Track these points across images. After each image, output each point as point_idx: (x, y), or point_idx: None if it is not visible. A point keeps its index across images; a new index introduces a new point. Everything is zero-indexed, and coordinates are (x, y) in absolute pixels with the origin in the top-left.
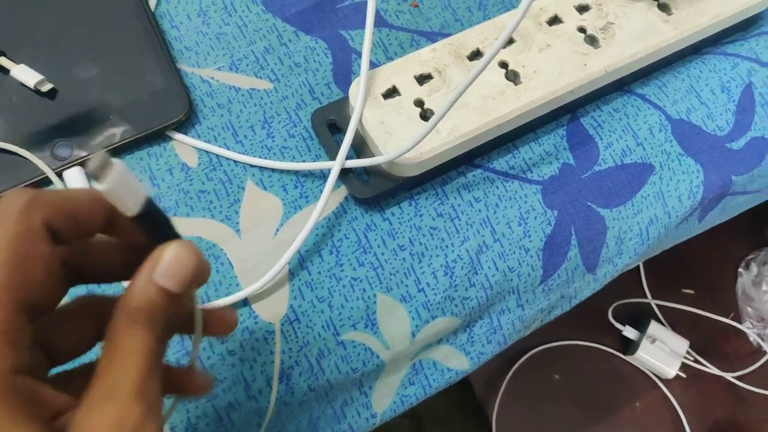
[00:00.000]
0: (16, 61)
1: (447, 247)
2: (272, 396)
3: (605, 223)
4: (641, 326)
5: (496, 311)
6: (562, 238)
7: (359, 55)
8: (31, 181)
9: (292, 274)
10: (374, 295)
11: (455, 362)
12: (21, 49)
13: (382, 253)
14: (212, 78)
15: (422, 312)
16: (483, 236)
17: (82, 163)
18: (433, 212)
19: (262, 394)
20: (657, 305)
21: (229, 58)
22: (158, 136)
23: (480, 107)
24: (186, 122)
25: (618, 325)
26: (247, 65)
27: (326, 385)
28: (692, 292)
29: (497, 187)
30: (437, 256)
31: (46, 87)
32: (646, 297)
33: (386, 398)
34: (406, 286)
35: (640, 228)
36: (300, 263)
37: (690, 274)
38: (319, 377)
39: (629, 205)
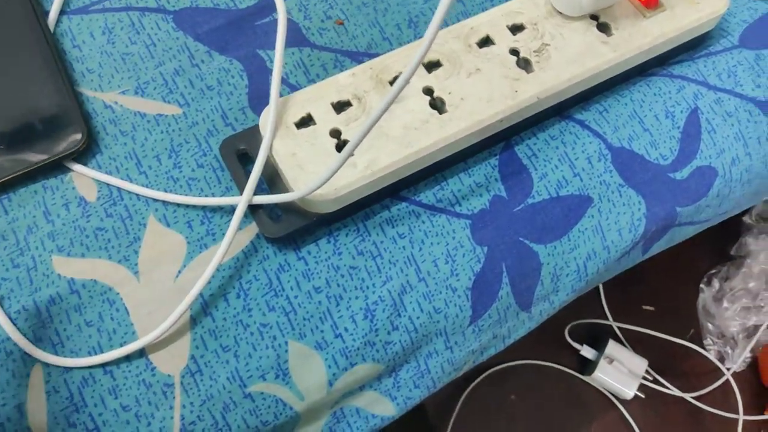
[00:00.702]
0: None
1: (368, 288)
2: None
3: (539, 259)
4: (599, 345)
5: (423, 354)
6: (492, 276)
7: None
8: None
9: (193, 320)
10: (286, 342)
11: (380, 408)
12: None
13: (296, 296)
14: (116, 103)
15: (340, 359)
16: (407, 275)
17: None
18: (354, 250)
19: None
20: (616, 325)
21: (135, 80)
22: (55, 168)
23: (401, 138)
24: (86, 151)
25: (575, 345)
26: (155, 88)
27: None
28: (652, 308)
29: (423, 222)
30: (356, 298)
31: None
32: (605, 316)
33: None
34: (322, 331)
35: (578, 264)
36: (203, 309)
37: (651, 290)
38: None
39: (565, 240)
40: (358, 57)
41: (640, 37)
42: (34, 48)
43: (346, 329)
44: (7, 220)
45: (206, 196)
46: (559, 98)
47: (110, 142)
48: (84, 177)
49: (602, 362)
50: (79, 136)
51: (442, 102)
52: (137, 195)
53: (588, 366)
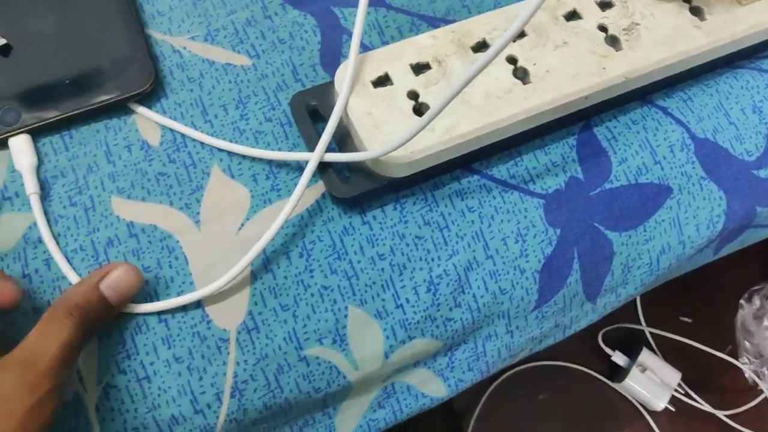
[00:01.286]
0: None
1: (432, 260)
2: (222, 412)
3: (612, 248)
4: (632, 353)
5: (482, 336)
6: (562, 261)
7: (351, 35)
8: None
9: (254, 276)
10: (346, 307)
11: (431, 388)
12: None
13: (359, 261)
14: (184, 48)
15: (399, 331)
16: (474, 251)
17: (32, 131)
18: (420, 219)
19: (211, 408)
20: (650, 332)
21: (205, 27)
22: (119, 108)
23: (482, 106)
24: (151, 95)
25: (607, 350)
26: (225, 37)
27: (284, 404)
28: (689, 320)
29: (494, 197)
30: (421, 269)
31: (0, 42)
32: (639, 323)
33: (352, 421)
34: (383, 300)
35: (650, 257)
36: (264, 265)
37: (689, 301)
38: (276, 395)
39: (641, 230)
40: (434, 22)
41: (735, 24)
42: None
43: (407, 300)
44: (68, 157)
45: (272, 150)
46: (647, 80)
47: (176, 87)
48: (148, 120)
49: (634, 370)
50: (146, 78)
51: (526, 72)
52: (201, 143)
53: (618, 373)
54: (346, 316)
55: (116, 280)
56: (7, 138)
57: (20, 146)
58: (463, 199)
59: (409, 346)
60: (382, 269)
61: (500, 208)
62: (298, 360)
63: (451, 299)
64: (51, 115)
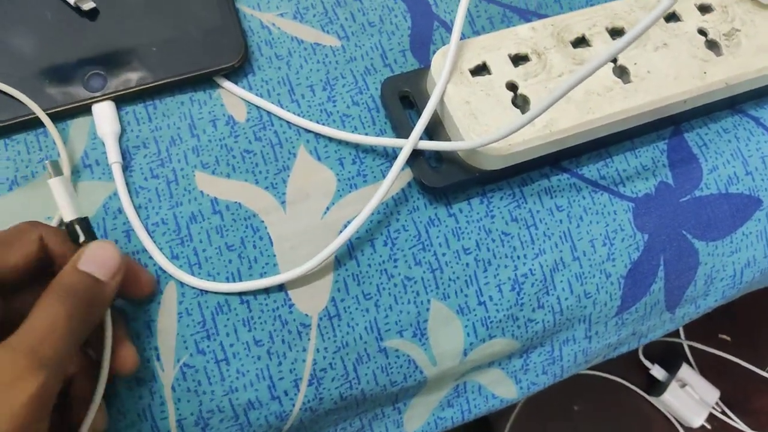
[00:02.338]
0: None
1: (518, 258)
2: (298, 400)
3: (698, 258)
4: (671, 367)
5: (559, 340)
6: (648, 268)
7: (442, 23)
8: (56, 110)
9: (338, 262)
10: (428, 300)
11: (502, 389)
12: None
13: (443, 254)
14: (273, 24)
15: (480, 329)
16: (561, 252)
17: (116, 98)
18: (508, 215)
19: (288, 395)
20: (690, 346)
21: (294, 4)
22: (205, 81)
23: (583, 103)
24: (238, 70)
25: (647, 363)
26: (314, 16)
27: (359, 395)
28: (729, 339)
29: (584, 198)
30: (506, 266)
31: (88, 5)
32: (679, 336)
33: (419, 418)
34: (466, 296)
35: (735, 269)
36: (349, 251)
37: (730, 316)
38: (353, 386)
39: (727, 241)
40: (526, 15)
41: None
42: None
43: (490, 298)
44: (150, 128)
45: (359, 134)
46: (747, 87)
47: (264, 64)
48: (233, 96)
49: (673, 385)
50: (235, 53)
51: (626, 71)
52: (288, 123)
53: (656, 387)
54: (428, 309)
55: (90, 255)
56: (91, 104)
57: (104, 113)
58: (552, 198)
59: (489, 345)
60: (467, 264)
61: (589, 208)
62: (378, 351)
63: (534, 300)
64: (136, 83)
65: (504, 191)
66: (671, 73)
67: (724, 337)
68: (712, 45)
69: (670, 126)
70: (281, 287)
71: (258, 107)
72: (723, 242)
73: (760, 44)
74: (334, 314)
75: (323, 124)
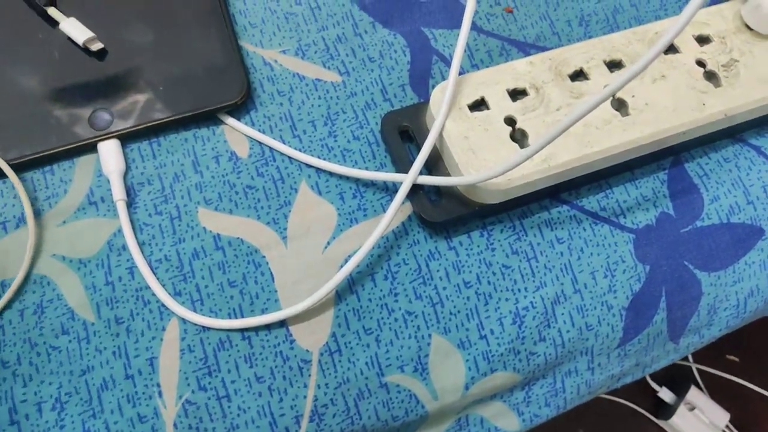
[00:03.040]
0: (67, 14)
1: (519, 291)
2: None
3: (701, 288)
4: (679, 390)
5: (562, 372)
6: (650, 299)
7: (441, 57)
8: (63, 148)
9: (339, 297)
10: (429, 335)
11: (504, 422)
12: (73, 1)
13: (444, 288)
14: (275, 61)
15: (481, 363)
16: (562, 284)
17: (121, 137)
18: (508, 248)
19: None
20: (698, 369)
21: (296, 41)
22: (208, 118)
23: (582, 136)
24: (241, 107)
25: (654, 385)
26: (316, 52)
27: (361, 431)
28: (737, 359)
29: (584, 229)
30: (507, 300)
31: (96, 46)
32: (687, 359)
33: None
34: (467, 330)
35: (738, 299)
36: (349, 286)
37: (738, 338)
38: (354, 421)
39: (730, 271)
40: (525, 48)
41: None
42: None
43: (492, 331)
44: (155, 165)
45: (360, 169)
46: (746, 118)
47: (266, 100)
48: (236, 132)
49: (682, 408)
50: (238, 90)
51: (624, 104)
52: (290, 158)
53: (664, 410)
54: (429, 344)
55: None
56: (96, 142)
57: (109, 151)
58: (552, 230)
59: (490, 378)
60: (468, 297)
61: (590, 240)
62: (379, 386)
63: (536, 333)
64: (142, 121)
65: (504, 224)
66: (669, 105)
67: (732, 358)
68: (711, 76)
69: (670, 156)
70: (282, 323)
71: (260, 143)
72: (725, 272)
73: (759, 75)
74: (335, 350)
75: (324, 159)
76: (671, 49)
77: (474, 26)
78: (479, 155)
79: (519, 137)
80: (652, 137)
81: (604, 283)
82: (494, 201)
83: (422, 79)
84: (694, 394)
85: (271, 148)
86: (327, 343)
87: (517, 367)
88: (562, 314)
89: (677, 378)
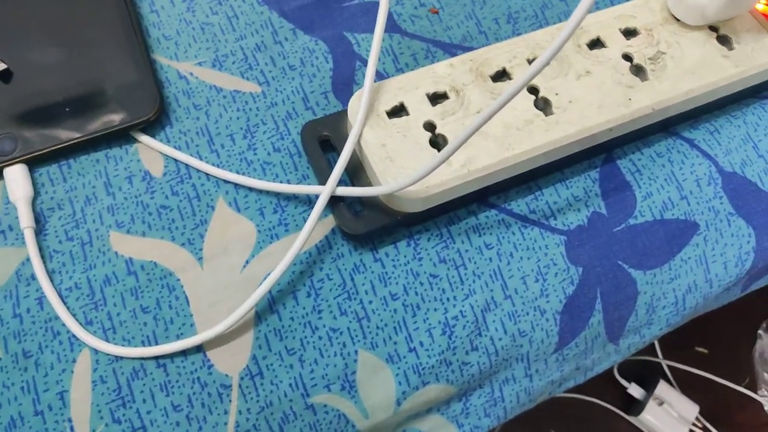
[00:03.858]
0: None
1: (448, 300)
2: None
3: (636, 287)
4: (648, 385)
5: (499, 380)
6: (585, 301)
7: (365, 62)
8: None
9: (258, 317)
10: (356, 351)
11: None
12: None
13: (370, 302)
14: (191, 74)
15: (412, 377)
16: (492, 291)
17: (28, 161)
18: (436, 257)
19: None
20: (667, 364)
21: (213, 52)
22: (121, 137)
23: (502, 138)
24: (155, 123)
25: (623, 382)
26: (234, 63)
27: None
28: (706, 351)
29: (513, 234)
30: (435, 310)
31: (0, 67)
32: (656, 354)
33: None
34: (395, 343)
35: (676, 296)
36: (270, 305)
37: (705, 330)
38: None
39: (666, 269)
40: (451, 49)
41: (764, 54)
42: (111, 9)
43: (421, 343)
44: (65, 188)
45: (281, 182)
46: (674, 111)
47: (182, 115)
48: (151, 150)
49: (651, 403)
50: (150, 106)
51: (548, 103)
52: (207, 174)
53: (634, 406)
54: (355, 360)
55: None
56: (2, 168)
57: (15, 177)
58: (480, 235)
59: (423, 392)
60: (395, 310)
61: (520, 244)
62: (305, 408)
63: (467, 342)
64: (49, 144)
65: (431, 232)
66: (595, 102)
67: (701, 350)
68: (638, 70)
69: (602, 154)
70: (199, 348)
71: (176, 160)
72: (661, 270)
73: (686, 66)
74: (256, 373)
75: (243, 174)
76: (597, 44)
77: (398, 29)
78: (397, 163)
79: (440, 142)
80: (577, 136)
81: (536, 287)
82: (416, 209)
83: (346, 86)
84: (663, 389)
85: (187, 165)
86: (247, 366)
87: (450, 378)
88: (494, 321)
89: (646, 373)
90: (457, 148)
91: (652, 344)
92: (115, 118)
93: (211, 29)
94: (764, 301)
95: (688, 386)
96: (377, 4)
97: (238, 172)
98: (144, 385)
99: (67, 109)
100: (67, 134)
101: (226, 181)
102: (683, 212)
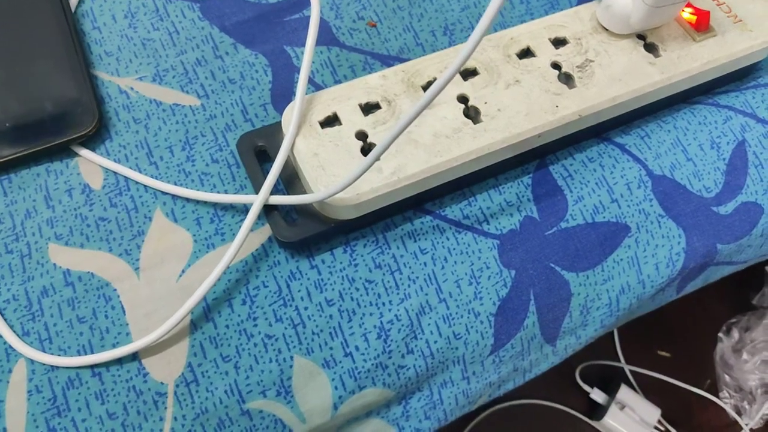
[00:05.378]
0: None
1: (383, 304)
2: None
3: (570, 289)
4: (610, 389)
5: (437, 383)
6: (518, 303)
7: None
8: None
9: (194, 325)
10: (291, 357)
11: None
12: None
13: (306, 308)
14: (131, 89)
15: (348, 381)
16: (427, 295)
17: None
18: (371, 262)
19: None
20: (629, 368)
21: (154, 67)
22: (61, 151)
23: (431, 146)
24: (95, 137)
25: (585, 387)
26: (174, 77)
27: None
28: (668, 354)
29: (448, 239)
30: (371, 314)
31: None
32: (617, 358)
33: None
34: (331, 348)
35: (610, 297)
36: (205, 313)
37: (667, 334)
38: None
39: (598, 270)
40: (388, 61)
41: (690, 60)
42: (52, 26)
43: (357, 348)
44: (5, 203)
45: (219, 192)
46: (602, 117)
47: (122, 129)
48: (91, 163)
49: (613, 407)
50: (89, 120)
51: (477, 112)
52: (145, 186)
53: (597, 410)
54: (291, 366)
55: None
56: None
57: None
58: (415, 241)
59: (360, 396)
60: (330, 316)
61: (454, 249)
62: (240, 414)
63: (403, 345)
64: None
65: (367, 238)
66: (522, 110)
67: (663, 353)
68: (567, 78)
69: (535, 160)
70: (134, 356)
71: (115, 173)
72: (594, 272)
73: (613, 74)
74: (192, 380)
75: (181, 185)
76: (528, 53)
77: (337, 42)
78: (329, 171)
79: (372, 150)
80: (504, 143)
81: (470, 290)
82: (349, 216)
83: (284, 98)
84: (624, 393)
85: (125, 178)
86: (183, 373)
87: (387, 381)
88: (429, 325)
89: (608, 378)
90: (380, 153)
91: (614, 349)
92: (55, 133)
93: (152, 45)
94: (725, 305)
95: (650, 390)
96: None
97: (176, 184)
98: (79, 393)
99: (7, 125)
100: (6, 150)
101: (163, 193)
102: (614, 215)
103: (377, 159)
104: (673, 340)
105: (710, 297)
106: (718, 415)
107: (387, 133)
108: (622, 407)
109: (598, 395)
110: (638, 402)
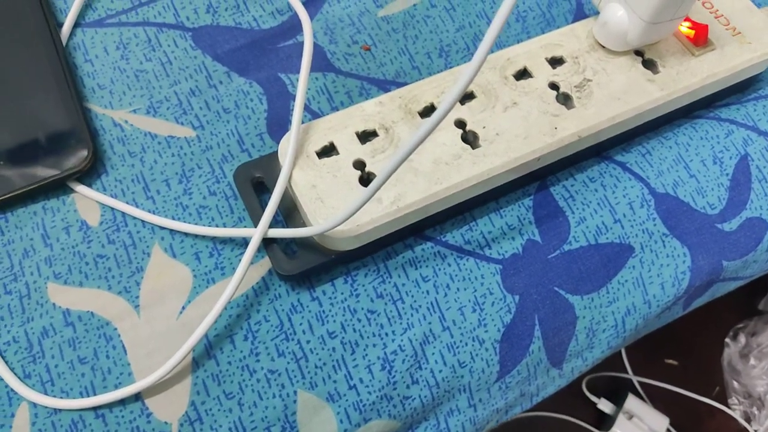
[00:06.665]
0: None
1: (386, 335)
2: None
3: (575, 312)
4: (617, 399)
5: (443, 412)
6: (523, 329)
7: None
8: None
9: (196, 363)
10: (295, 392)
11: None
12: None
13: (308, 341)
14: (126, 121)
15: (353, 414)
16: (430, 323)
17: None
18: (373, 292)
19: None
20: (636, 377)
21: (147, 99)
22: (58, 188)
23: (431, 173)
24: (91, 172)
25: (592, 398)
26: (168, 109)
27: None
28: (675, 362)
29: (449, 265)
30: (374, 345)
31: None
32: (624, 368)
33: None
34: (335, 382)
35: (615, 319)
36: (207, 351)
37: (673, 342)
38: None
39: (603, 292)
40: (385, 85)
41: (689, 76)
42: (43, 60)
43: (361, 380)
44: (3, 242)
45: (217, 226)
46: (602, 137)
47: (117, 162)
48: (87, 199)
49: (621, 417)
50: (84, 155)
51: (476, 136)
52: (143, 221)
53: (605, 421)
54: (295, 401)
55: None
56: None
57: None
58: (417, 268)
59: (366, 428)
60: (333, 348)
61: (456, 275)
62: None
63: (407, 376)
64: None
65: (368, 268)
66: (521, 133)
67: (671, 361)
68: (565, 98)
69: (535, 182)
70: (137, 396)
71: (112, 208)
72: (599, 294)
73: (611, 92)
74: (195, 419)
75: (179, 219)
76: (525, 74)
77: (332, 68)
78: (327, 203)
79: (371, 180)
80: (504, 167)
81: (473, 317)
82: (350, 247)
83: (281, 126)
84: (632, 403)
85: (123, 213)
86: (186, 412)
87: (392, 413)
88: (433, 354)
89: (615, 388)
90: (380, 185)
91: (621, 359)
92: (50, 169)
93: (145, 76)
94: (731, 311)
95: (657, 398)
96: (312, 44)
97: (173, 218)
98: None
99: (1, 162)
100: (2, 189)
101: (161, 227)
102: (617, 235)
103: (377, 191)
104: (679, 348)
105: (716, 303)
106: (727, 423)
107: (386, 162)
108: (630, 417)
109: (605, 405)
110: (646, 411)
